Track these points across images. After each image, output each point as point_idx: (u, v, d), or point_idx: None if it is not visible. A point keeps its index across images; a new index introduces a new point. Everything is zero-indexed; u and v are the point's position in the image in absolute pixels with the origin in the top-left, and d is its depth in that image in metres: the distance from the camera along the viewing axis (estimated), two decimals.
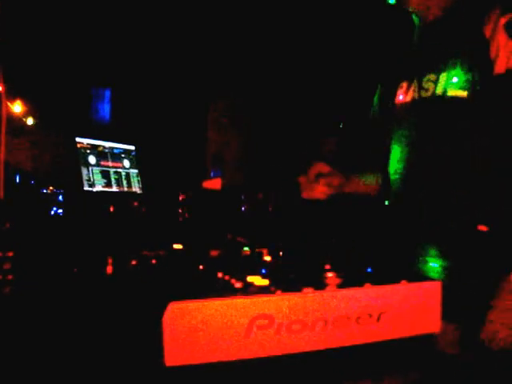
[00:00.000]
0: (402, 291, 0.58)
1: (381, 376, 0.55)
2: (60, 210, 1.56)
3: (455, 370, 0.56)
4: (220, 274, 0.65)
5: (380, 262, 0.68)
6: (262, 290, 0.57)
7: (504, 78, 0.82)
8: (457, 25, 0.91)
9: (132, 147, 2.18)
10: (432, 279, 0.60)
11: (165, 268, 0.73)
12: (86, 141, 1.96)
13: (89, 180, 1.87)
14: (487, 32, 0.83)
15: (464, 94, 0.85)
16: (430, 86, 0.90)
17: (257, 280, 0.61)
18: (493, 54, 0.82)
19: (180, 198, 1.69)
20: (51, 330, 0.58)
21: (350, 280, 0.60)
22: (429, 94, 0.90)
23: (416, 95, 0.94)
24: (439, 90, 0.88)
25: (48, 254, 0.81)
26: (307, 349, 0.54)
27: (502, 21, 0.83)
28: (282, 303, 0.53)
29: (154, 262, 0.74)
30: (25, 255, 0.80)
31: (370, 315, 0.56)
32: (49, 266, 0.76)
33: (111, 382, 0.52)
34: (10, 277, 0.71)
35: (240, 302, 0.52)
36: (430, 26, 0.97)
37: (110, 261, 0.72)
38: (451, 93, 0.86)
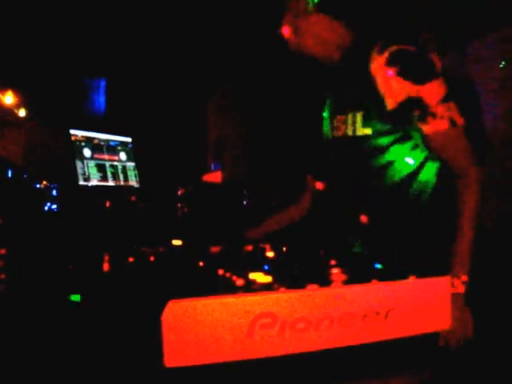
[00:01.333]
0: (410, 287, 0.56)
1: (388, 376, 0.53)
2: (54, 206, 1.54)
3: (464, 368, 0.54)
4: (221, 271, 0.63)
5: (388, 257, 0.66)
6: (265, 288, 0.55)
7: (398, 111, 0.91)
8: (351, 67, 1.00)
9: (129, 139, 2.15)
10: (442, 275, 0.58)
11: (164, 265, 0.71)
12: (80, 133, 1.92)
13: (84, 174, 1.84)
14: (373, 71, 0.93)
15: (369, 131, 0.94)
16: (341, 126, 1.00)
17: (259, 277, 0.59)
18: (382, 92, 0.91)
19: (179, 192, 1.67)
20: (47, 330, 0.56)
21: (356, 276, 0.58)
22: (339, 133, 1.00)
23: (329, 134, 1.04)
24: (349, 130, 0.97)
25: (42, 251, 0.80)
26: (312, 348, 0.52)
27: (382, 59, 0.92)
28: (285, 301, 0.51)
29: (152, 258, 0.72)
30: (18, 253, 0.78)
31: (378, 313, 0.54)
32: (43, 264, 0.74)
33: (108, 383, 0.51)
34: (2, 276, 0.69)
35: (241, 300, 0.50)
36: (334, 70, 1.05)
37: (106, 258, 0.70)
38: (359, 132, 0.95)
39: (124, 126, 2.27)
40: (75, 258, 0.74)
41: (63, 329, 0.56)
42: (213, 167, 2.52)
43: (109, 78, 2.57)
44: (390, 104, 0.90)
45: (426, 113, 0.87)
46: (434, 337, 0.57)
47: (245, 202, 1.68)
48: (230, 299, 0.50)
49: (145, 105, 2.50)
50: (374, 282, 0.56)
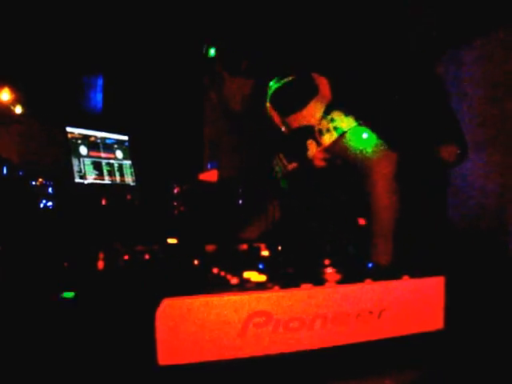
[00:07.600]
0: (403, 287, 0.57)
1: (381, 375, 0.53)
2: (50, 203, 1.53)
3: (463, 368, 0.54)
4: (215, 270, 0.63)
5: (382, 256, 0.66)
6: (259, 286, 0.55)
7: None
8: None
9: (125, 137, 2.14)
10: (435, 274, 0.59)
11: (158, 263, 0.71)
12: (76, 131, 1.92)
13: (80, 171, 1.83)
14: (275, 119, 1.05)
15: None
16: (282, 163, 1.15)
17: (254, 276, 0.59)
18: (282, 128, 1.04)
19: (175, 191, 1.67)
20: (39, 328, 0.56)
21: (350, 276, 0.58)
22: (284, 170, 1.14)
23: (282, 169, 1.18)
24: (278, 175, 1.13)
25: (37, 249, 0.79)
26: (305, 347, 0.52)
27: (268, 105, 1.03)
28: (279, 300, 0.52)
29: (147, 257, 0.72)
30: (13, 250, 0.78)
31: (371, 312, 0.55)
32: (38, 261, 0.74)
33: (101, 382, 0.50)
34: None
35: (236, 298, 0.50)
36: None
37: (101, 256, 0.70)
38: (290, 167, 1.10)
39: (121, 124, 2.26)
40: (70, 255, 0.74)
41: (56, 326, 0.56)
42: (209, 166, 2.51)
43: (106, 75, 2.56)
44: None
45: (313, 132, 0.96)
46: (427, 336, 0.58)
47: (240, 201, 1.68)
48: (224, 298, 0.50)
49: (142, 103, 2.49)
50: (368, 281, 0.56)
